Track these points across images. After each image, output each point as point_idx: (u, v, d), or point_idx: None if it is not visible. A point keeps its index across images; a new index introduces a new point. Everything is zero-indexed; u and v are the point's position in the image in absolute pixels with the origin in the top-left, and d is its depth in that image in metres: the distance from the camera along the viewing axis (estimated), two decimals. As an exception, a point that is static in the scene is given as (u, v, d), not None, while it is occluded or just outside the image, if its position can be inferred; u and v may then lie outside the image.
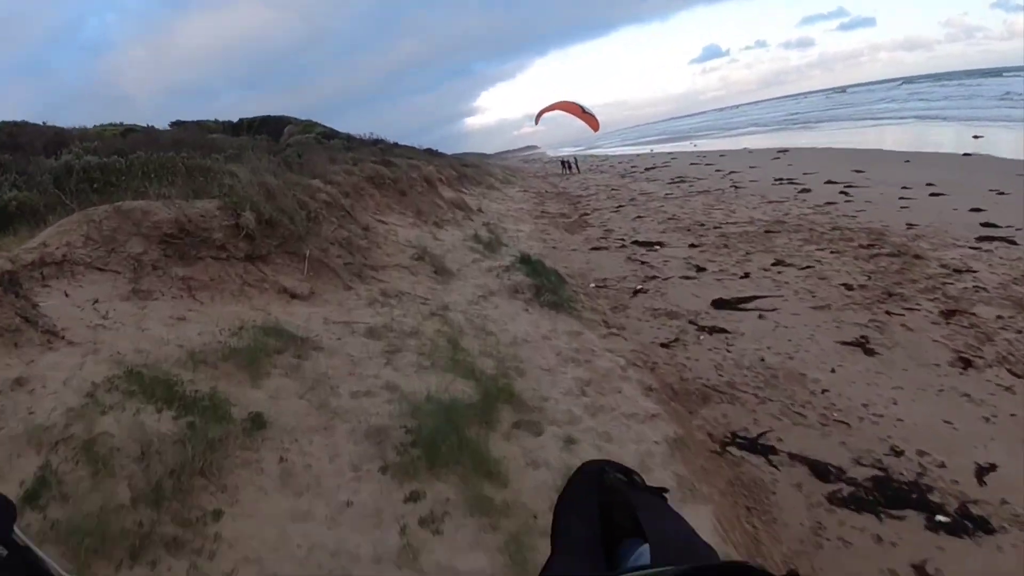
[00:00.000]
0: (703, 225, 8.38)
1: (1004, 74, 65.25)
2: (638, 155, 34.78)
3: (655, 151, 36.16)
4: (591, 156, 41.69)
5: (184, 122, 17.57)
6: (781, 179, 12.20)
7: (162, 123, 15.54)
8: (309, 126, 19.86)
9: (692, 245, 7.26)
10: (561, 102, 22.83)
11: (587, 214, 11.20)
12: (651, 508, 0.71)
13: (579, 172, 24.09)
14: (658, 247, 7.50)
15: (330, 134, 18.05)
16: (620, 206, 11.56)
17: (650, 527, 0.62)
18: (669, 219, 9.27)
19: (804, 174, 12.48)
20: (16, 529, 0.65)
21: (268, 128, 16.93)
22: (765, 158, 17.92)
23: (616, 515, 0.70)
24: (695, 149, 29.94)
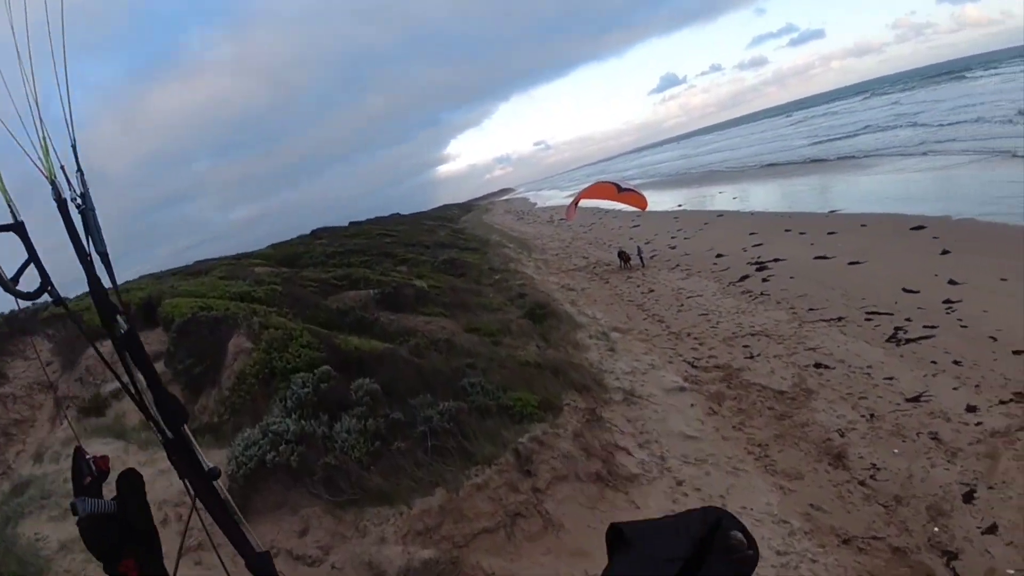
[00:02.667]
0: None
1: (966, 75, 67.83)
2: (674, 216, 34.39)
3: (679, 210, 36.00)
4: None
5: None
6: None
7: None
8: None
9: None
10: (594, 187, 20.67)
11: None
12: None
13: (643, 267, 19.62)
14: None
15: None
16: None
17: None
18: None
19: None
20: (185, 427, 1.11)
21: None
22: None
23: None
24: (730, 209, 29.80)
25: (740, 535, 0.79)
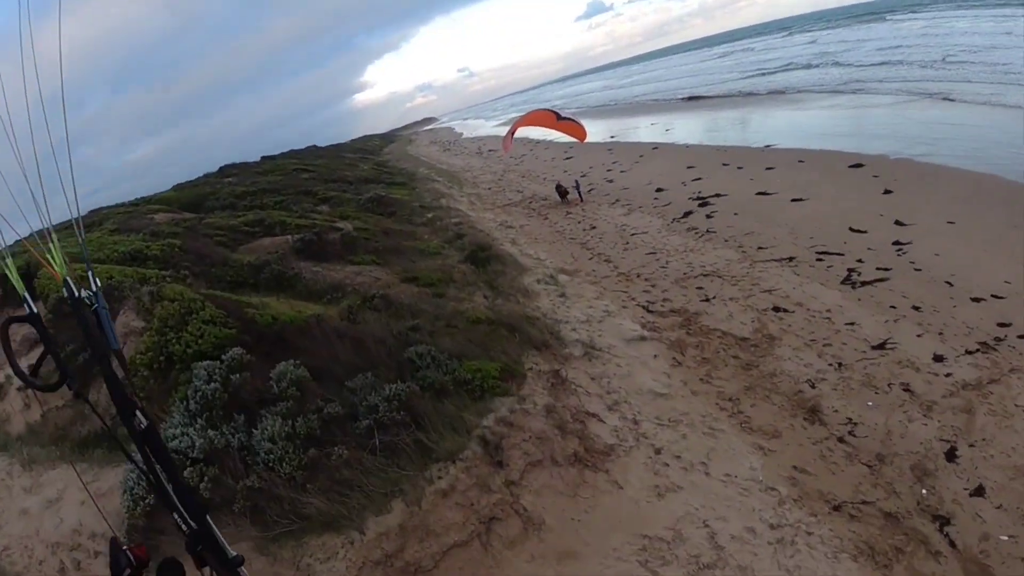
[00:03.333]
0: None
1: (888, 17, 70.01)
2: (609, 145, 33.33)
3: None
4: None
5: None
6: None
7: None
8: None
9: None
10: (532, 115, 19.33)
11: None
12: None
13: (582, 201, 18.56)
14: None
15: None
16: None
17: None
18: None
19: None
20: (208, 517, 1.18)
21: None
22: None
23: None
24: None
25: None
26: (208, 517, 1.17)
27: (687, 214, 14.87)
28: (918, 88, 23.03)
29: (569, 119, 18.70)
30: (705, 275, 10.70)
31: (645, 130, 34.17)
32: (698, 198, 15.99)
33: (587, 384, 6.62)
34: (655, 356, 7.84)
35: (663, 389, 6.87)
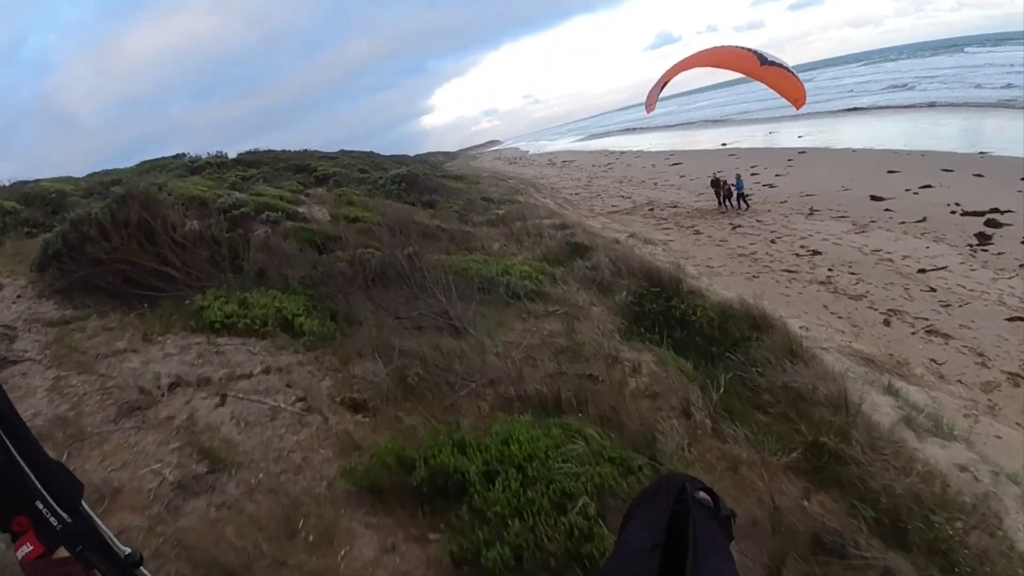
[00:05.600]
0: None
1: (966, 49, 62.67)
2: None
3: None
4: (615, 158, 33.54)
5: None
6: None
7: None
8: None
9: None
10: (716, 53, 10.47)
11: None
12: (707, 546, 0.68)
13: (742, 209, 13.06)
14: None
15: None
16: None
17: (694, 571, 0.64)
18: None
19: None
20: (83, 503, 0.83)
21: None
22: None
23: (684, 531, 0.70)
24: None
25: (704, 494, 0.74)
26: (84, 504, 0.84)
27: (983, 238, 8.48)
28: None
29: (778, 64, 10.56)
30: None
31: (766, 137, 27.70)
32: (970, 213, 9.59)
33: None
34: None
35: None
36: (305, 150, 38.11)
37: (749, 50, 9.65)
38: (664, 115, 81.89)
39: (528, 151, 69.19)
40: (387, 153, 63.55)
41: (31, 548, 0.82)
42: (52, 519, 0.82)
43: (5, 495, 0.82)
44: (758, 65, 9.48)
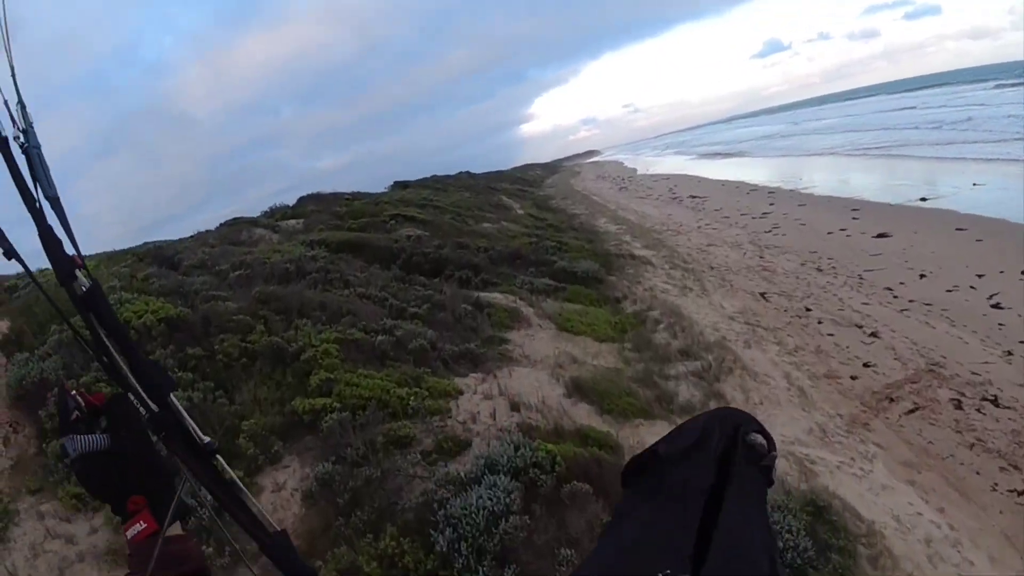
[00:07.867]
0: None
1: None
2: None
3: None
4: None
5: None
6: None
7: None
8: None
9: None
10: None
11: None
12: (745, 501, 0.67)
13: None
14: None
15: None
16: None
17: (724, 525, 0.61)
18: None
19: None
20: (172, 397, 0.89)
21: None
22: None
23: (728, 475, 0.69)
24: None
25: (760, 437, 0.71)
26: (173, 396, 0.92)
27: None
28: None
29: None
30: None
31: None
32: None
33: None
34: None
35: None
36: (403, 181, 33.05)
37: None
38: (810, 125, 63.21)
39: (635, 169, 58.74)
40: (482, 169, 57.04)
41: (144, 526, 0.85)
42: (142, 409, 0.89)
43: (117, 478, 0.87)
44: None
